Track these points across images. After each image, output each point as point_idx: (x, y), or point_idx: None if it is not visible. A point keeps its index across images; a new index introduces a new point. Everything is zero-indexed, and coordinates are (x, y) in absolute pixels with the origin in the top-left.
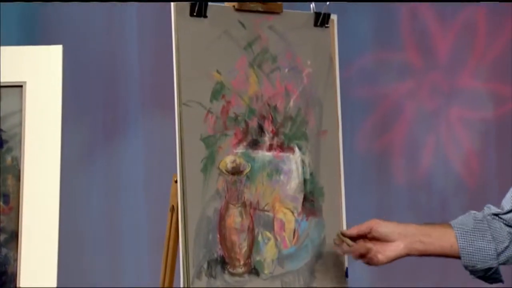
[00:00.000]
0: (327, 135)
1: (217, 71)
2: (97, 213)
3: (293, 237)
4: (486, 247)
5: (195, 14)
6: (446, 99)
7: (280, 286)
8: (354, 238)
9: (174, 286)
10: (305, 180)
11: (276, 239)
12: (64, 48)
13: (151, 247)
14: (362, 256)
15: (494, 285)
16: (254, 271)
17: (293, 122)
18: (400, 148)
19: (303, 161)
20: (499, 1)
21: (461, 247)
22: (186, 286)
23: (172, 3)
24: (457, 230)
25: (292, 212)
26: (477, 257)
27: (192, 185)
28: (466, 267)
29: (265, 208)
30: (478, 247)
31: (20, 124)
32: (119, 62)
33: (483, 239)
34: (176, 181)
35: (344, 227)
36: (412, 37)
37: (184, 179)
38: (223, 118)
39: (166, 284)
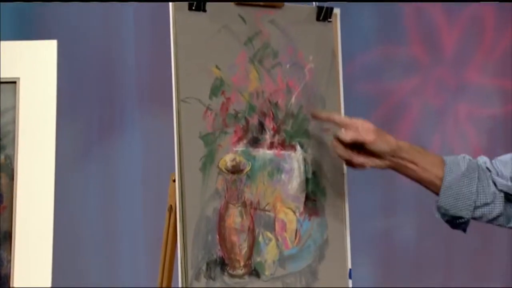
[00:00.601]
0: (330, 133)
1: (217, 67)
2: (93, 213)
3: (295, 238)
4: (468, 196)
5: (193, 8)
6: (453, 95)
7: (281, 287)
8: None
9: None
10: (307, 179)
11: (277, 240)
12: (59, 43)
13: (149, 248)
14: (349, 163)
15: None
16: (254, 272)
17: (294, 119)
18: None
19: (305, 160)
20: (505, 1)
21: (445, 186)
22: (184, 287)
23: None
24: (448, 169)
25: (294, 212)
26: (454, 202)
27: (191, 184)
28: (438, 208)
29: (266, 208)
30: (460, 193)
31: (13, 122)
32: (115, 57)
33: (468, 187)
34: (174, 180)
35: (347, 228)
36: (417, 32)
37: (182, 178)
38: (222, 115)
39: (164, 286)
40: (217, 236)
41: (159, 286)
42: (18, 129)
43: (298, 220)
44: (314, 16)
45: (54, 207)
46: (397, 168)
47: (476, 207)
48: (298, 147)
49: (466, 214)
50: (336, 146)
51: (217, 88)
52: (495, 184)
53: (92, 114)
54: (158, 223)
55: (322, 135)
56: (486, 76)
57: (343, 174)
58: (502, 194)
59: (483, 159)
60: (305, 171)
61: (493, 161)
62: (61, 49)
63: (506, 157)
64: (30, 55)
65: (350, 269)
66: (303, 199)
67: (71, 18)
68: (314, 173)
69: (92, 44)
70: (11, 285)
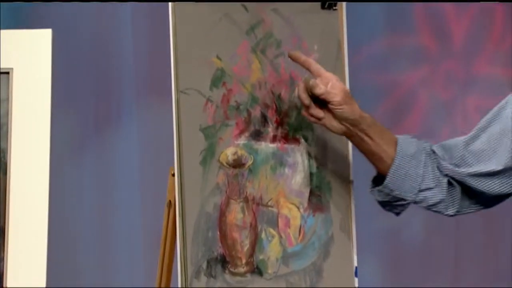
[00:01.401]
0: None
1: (217, 57)
2: (89, 209)
3: (299, 234)
4: (414, 179)
5: None
6: (462, 87)
7: (285, 286)
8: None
9: (171, 286)
10: (311, 174)
11: (280, 237)
12: (54, 33)
13: (147, 245)
14: (306, 110)
15: None
16: (257, 270)
17: (298, 111)
18: None
19: (309, 153)
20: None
21: (395, 165)
22: (184, 286)
23: None
24: (399, 148)
25: (298, 208)
26: (401, 183)
27: (191, 178)
28: (383, 187)
29: (269, 203)
30: (408, 174)
31: (6, 114)
32: (112, 47)
33: (415, 169)
34: (173, 175)
35: (353, 223)
36: (425, 21)
37: (182, 172)
38: (223, 107)
39: (163, 285)
40: (218, 233)
41: (157, 285)
42: (11, 122)
43: (302, 216)
44: (319, 4)
45: (49, 202)
46: (351, 138)
47: (420, 190)
48: (302, 140)
49: (410, 196)
50: (301, 89)
51: (218, 79)
52: (439, 169)
53: (88, 106)
54: (156, 219)
55: None
56: (497, 66)
57: (349, 168)
58: (446, 180)
59: (428, 143)
60: (309, 165)
61: (437, 145)
62: (55, 39)
63: (451, 142)
64: (24, 45)
65: (356, 267)
66: (307, 194)
67: (66, 7)
68: (318, 167)
69: (88, 33)
70: (4, 285)
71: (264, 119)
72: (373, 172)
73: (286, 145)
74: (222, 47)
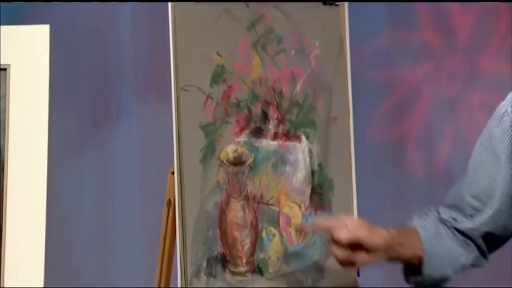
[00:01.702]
0: (337, 123)
1: (218, 53)
2: (88, 208)
3: (300, 233)
4: (446, 254)
5: None
6: (467, 83)
7: (286, 286)
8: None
9: (171, 286)
10: (313, 172)
11: (281, 236)
12: (52, 28)
13: (146, 244)
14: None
15: None
16: (257, 270)
17: (300, 108)
18: (417, 137)
19: (310, 151)
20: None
21: (428, 253)
22: (183, 286)
23: None
24: (422, 235)
25: (299, 206)
26: (438, 264)
27: (190, 177)
28: (424, 280)
29: (270, 201)
30: (440, 253)
31: (4, 111)
32: (111, 43)
33: (442, 245)
34: (173, 173)
35: None
36: (429, 16)
37: (181, 170)
38: (224, 104)
39: (162, 285)
40: (218, 232)
41: (157, 284)
42: (8, 119)
43: (303, 215)
44: None
45: (47, 201)
46: (389, 259)
47: (456, 262)
48: (304, 138)
49: (450, 272)
50: (334, 250)
51: (218, 76)
52: (458, 230)
53: (87, 103)
54: (156, 218)
55: (329, 125)
56: (503, 62)
57: (351, 166)
58: (463, 238)
59: (434, 214)
60: (311, 163)
61: (444, 209)
62: (54, 37)
63: (449, 203)
64: (21, 41)
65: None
66: (308, 193)
67: (66, 5)
68: (320, 165)
69: (87, 30)
70: (1, 285)
71: (265, 116)
72: (375, 170)
73: (287, 143)
74: (223, 44)
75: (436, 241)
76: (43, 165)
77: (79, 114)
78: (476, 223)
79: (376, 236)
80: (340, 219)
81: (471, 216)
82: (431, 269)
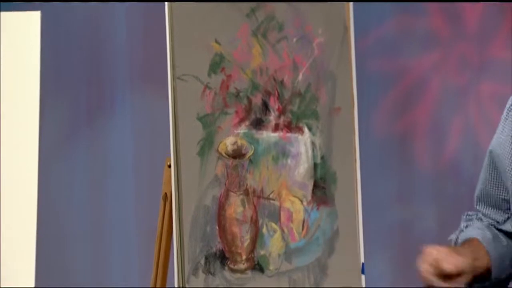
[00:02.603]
0: (341, 114)
1: (216, 41)
2: (81, 203)
3: (302, 229)
4: (506, 252)
5: None
6: (476, 72)
7: (287, 284)
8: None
9: (167, 285)
10: (315, 165)
11: (282, 231)
12: (43, 15)
13: (141, 241)
14: None
15: None
16: (257, 267)
17: (302, 98)
18: (424, 128)
19: (313, 143)
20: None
21: (493, 258)
22: (181, 285)
23: None
24: (483, 242)
25: (301, 201)
26: (503, 264)
27: (188, 170)
28: (494, 284)
29: (271, 196)
30: (501, 254)
31: None
32: (104, 31)
33: (501, 248)
34: (169, 166)
35: (360, 218)
36: (437, 2)
37: (178, 163)
38: (222, 94)
39: (158, 284)
40: (217, 227)
41: (152, 283)
42: None
43: (305, 210)
44: None
45: (38, 196)
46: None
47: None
48: (306, 129)
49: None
50: (437, 283)
51: (216, 65)
52: (502, 231)
53: (79, 94)
54: (151, 213)
55: (332, 116)
56: None
57: (355, 159)
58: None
59: (479, 221)
60: (313, 156)
61: (480, 214)
62: (46, 24)
63: (487, 204)
64: (11, 28)
65: (363, 264)
66: (311, 187)
67: None
68: (323, 157)
69: (80, 16)
70: None
71: (266, 107)
72: (380, 163)
73: (289, 134)
74: (221, 31)
75: (495, 245)
76: (34, 158)
77: (71, 105)
78: None
79: (463, 259)
80: (428, 251)
81: (508, 210)
82: (498, 273)
